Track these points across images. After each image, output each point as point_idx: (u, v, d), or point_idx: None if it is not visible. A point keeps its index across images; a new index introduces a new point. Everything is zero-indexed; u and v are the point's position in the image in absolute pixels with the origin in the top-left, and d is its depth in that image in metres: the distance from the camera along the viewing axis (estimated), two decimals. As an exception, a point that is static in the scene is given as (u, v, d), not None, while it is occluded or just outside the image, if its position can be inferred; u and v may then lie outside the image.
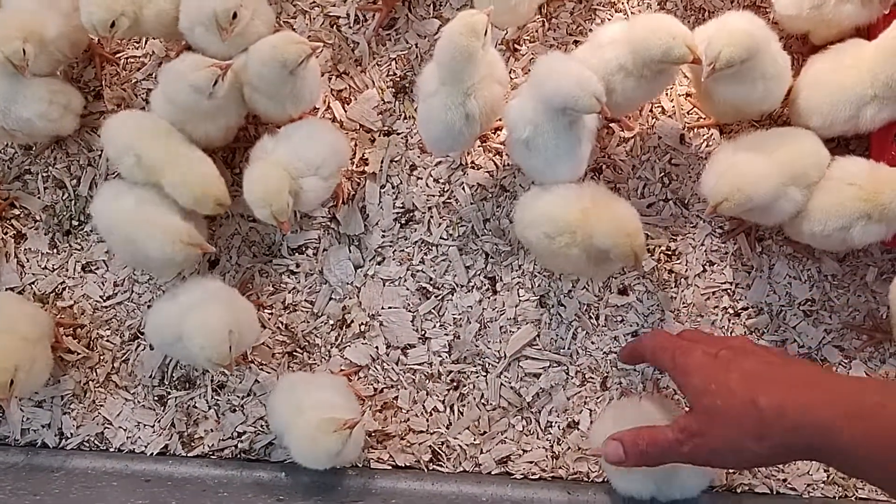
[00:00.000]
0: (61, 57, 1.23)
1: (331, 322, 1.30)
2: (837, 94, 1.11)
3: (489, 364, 1.27)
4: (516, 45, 1.30)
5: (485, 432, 1.27)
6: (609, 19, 1.29)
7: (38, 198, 1.35)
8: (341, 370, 1.29)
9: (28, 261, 1.35)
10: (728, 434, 0.89)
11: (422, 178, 1.30)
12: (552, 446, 1.26)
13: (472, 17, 1.05)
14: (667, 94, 1.28)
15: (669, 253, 1.26)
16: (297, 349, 1.30)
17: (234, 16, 1.13)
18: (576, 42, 1.28)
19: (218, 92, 1.14)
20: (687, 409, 0.96)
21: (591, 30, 1.28)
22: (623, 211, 1.10)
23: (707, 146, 1.27)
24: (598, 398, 1.26)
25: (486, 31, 1.06)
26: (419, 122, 1.19)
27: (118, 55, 1.36)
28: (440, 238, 1.29)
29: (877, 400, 0.83)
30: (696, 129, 1.28)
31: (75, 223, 1.34)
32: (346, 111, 1.32)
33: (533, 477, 1.25)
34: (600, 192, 1.14)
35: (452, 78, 1.08)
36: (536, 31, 1.30)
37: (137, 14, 1.17)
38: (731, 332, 1.25)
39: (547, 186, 1.14)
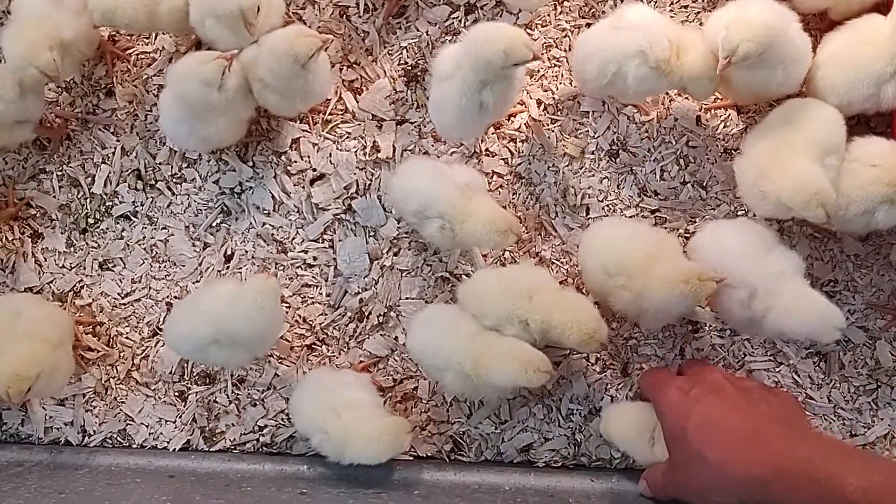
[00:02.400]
0: (81, 57, 1.23)
1: (349, 314, 1.30)
2: (855, 71, 1.08)
3: (508, 353, 1.26)
4: (528, 29, 1.28)
5: (506, 421, 1.26)
6: (621, 1, 1.27)
7: (54, 197, 1.35)
8: (360, 362, 1.28)
9: (45, 260, 1.35)
10: (693, 483, 1.00)
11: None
12: (574, 434, 1.25)
13: (521, 35, 1.05)
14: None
15: (688, 236, 1.24)
16: (316, 342, 1.30)
17: (259, 9, 1.13)
18: (588, 24, 1.27)
19: (227, 83, 1.13)
20: None
21: (603, 12, 1.26)
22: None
23: (724, 127, 1.25)
24: (619, 385, 1.25)
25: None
26: (431, 105, 1.18)
27: (128, 51, 1.35)
28: (456, 227, 1.28)
29: (803, 455, 0.89)
30: (713, 111, 1.26)
31: (91, 221, 1.35)
32: (357, 101, 1.31)
33: (555, 465, 1.25)
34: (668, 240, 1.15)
35: (477, 69, 1.07)
36: (548, 15, 1.28)
37: (151, 11, 1.17)
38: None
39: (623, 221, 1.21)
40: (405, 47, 1.30)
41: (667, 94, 1.26)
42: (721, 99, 1.25)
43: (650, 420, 1.12)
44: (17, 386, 1.12)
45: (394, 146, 1.29)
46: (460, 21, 1.29)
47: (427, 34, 1.30)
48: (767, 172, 1.06)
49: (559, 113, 1.28)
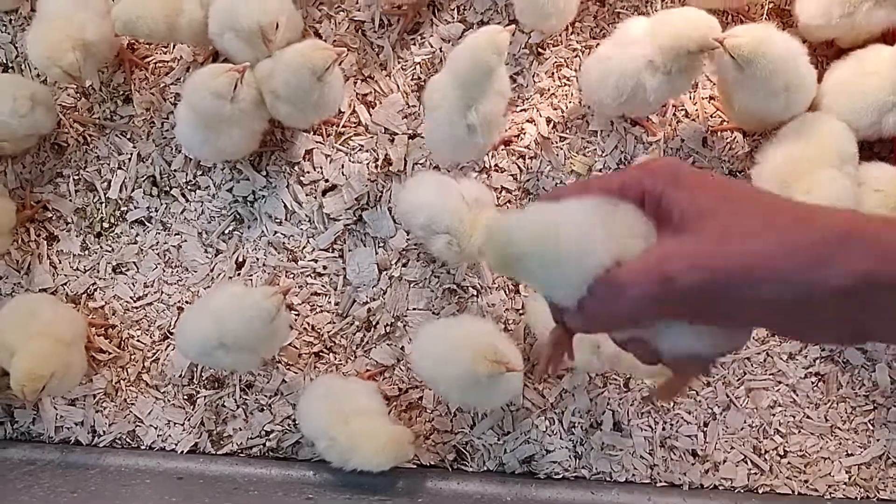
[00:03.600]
0: (102, 59, 1.26)
1: (356, 323, 1.32)
2: (859, 100, 1.11)
3: (513, 365, 1.29)
4: (540, 48, 1.31)
5: (508, 432, 1.28)
6: (632, 22, 1.29)
7: (70, 200, 1.38)
8: (367, 371, 1.31)
9: (60, 262, 1.38)
10: (740, 255, 0.51)
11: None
12: (575, 447, 1.27)
13: (497, 35, 1.06)
14: (690, 97, 1.28)
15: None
16: (324, 350, 1.32)
17: (277, 26, 1.15)
18: (599, 45, 1.29)
19: (239, 95, 1.16)
20: None
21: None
22: None
23: (730, 149, 1.28)
24: (620, 399, 1.27)
25: (505, 50, 1.08)
26: (426, 134, 1.22)
27: (147, 59, 1.38)
28: (464, 240, 1.31)
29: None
30: (719, 133, 1.28)
31: (106, 225, 1.37)
32: (371, 115, 1.33)
33: (556, 477, 1.27)
34: None
35: (464, 89, 1.10)
36: (560, 35, 1.31)
37: (172, 22, 1.20)
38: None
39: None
40: (419, 63, 1.33)
41: (674, 114, 1.28)
42: (727, 122, 1.27)
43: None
44: (32, 385, 1.15)
45: (405, 159, 1.32)
46: (473, 38, 1.32)
47: (440, 51, 1.32)
48: (793, 183, 1.09)
49: (568, 131, 1.30)
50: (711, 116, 1.28)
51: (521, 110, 1.30)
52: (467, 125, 1.12)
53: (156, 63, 1.38)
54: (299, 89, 1.17)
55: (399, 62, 1.33)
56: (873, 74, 1.11)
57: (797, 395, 1.26)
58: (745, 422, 1.25)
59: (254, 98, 1.20)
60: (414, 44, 1.33)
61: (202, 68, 1.21)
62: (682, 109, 1.29)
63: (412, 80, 1.33)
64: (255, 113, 1.23)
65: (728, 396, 1.26)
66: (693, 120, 1.28)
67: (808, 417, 1.25)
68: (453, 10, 1.32)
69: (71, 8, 1.23)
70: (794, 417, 1.25)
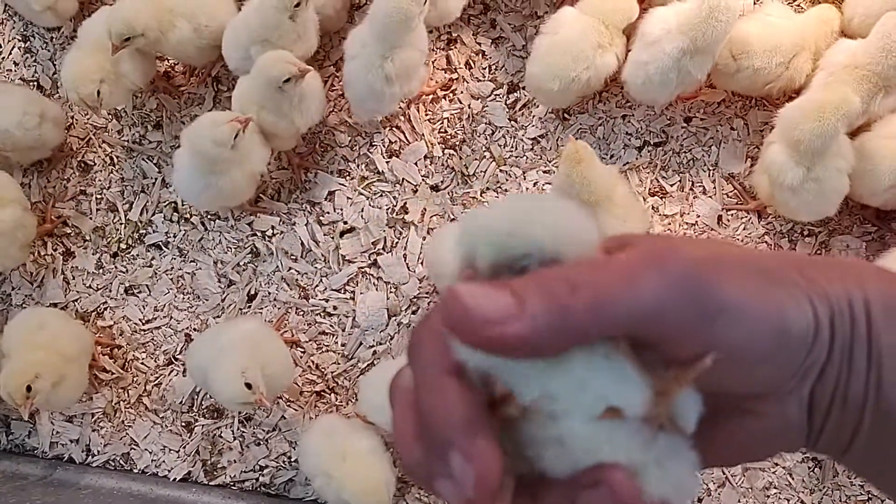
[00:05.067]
0: (134, 87, 1.29)
1: (361, 366, 1.33)
2: (879, 164, 1.14)
3: (513, 422, 1.29)
4: (566, 113, 1.34)
5: (503, 489, 1.28)
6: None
7: (90, 218, 1.40)
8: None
9: (74, 278, 1.39)
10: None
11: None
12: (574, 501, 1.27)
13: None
14: (708, 173, 1.31)
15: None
16: (326, 390, 1.33)
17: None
18: (623, 116, 1.32)
19: (239, 143, 1.17)
20: None
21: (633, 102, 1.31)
22: None
23: (744, 229, 1.30)
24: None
25: (425, 2, 1.13)
26: (344, 84, 1.26)
27: (181, 88, 1.41)
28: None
29: None
30: (734, 212, 1.30)
31: (123, 246, 1.39)
32: (394, 163, 1.36)
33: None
34: None
35: (381, 38, 1.16)
36: (587, 103, 1.34)
37: (161, 35, 1.24)
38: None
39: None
40: (447, 118, 1.36)
41: (691, 189, 1.31)
42: (742, 202, 1.29)
43: None
44: (16, 387, 1.15)
45: (424, 210, 1.34)
46: (502, 97, 1.35)
47: (469, 107, 1.35)
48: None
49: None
50: (728, 196, 1.31)
51: (543, 171, 1.33)
52: (385, 75, 1.18)
53: (188, 93, 1.41)
54: (271, 99, 1.20)
55: (427, 115, 1.36)
56: (892, 139, 1.14)
57: (793, 479, 1.26)
58: (739, 501, 1.25)
59: (252, 138, 1.21)
60: (445, 98, 1.36)
61: (203, 116, 1.21)
62: (699, 185, 1.31)
63: (438, 132, 1.36)
64: (255, 153, 1.23)
65: (724, 473, 1.26)
66: (710, 197, 1.31)
67: (802, 502, 1.26)
68: (485, 69, 1.36)
69: (105, 41, 1.25)
70: (787, 501, 1.25)
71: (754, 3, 1.26)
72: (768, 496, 1.25)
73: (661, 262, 0.34)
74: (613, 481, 0.33)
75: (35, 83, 1.45)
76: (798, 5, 1.30)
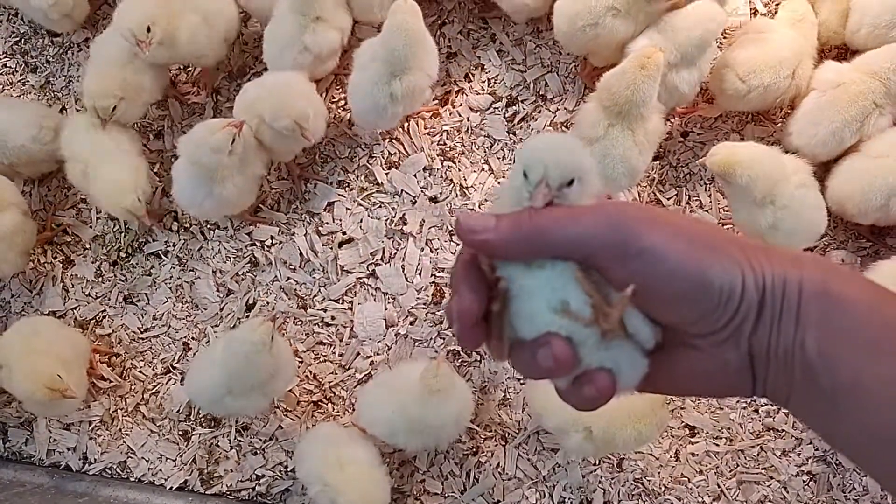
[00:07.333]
0: (151, 101, 1.31)
1: (358, 376, 1.33)
2: (870, 182, 1.17)
3: (509, 434, 1.30)
4: (563, 128, 1.35)
5: (498, 501, 1.29)
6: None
7: (90, 227, 1.41)
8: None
9: (73, 286, 1.39)
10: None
11: (461, 244, 1.34)
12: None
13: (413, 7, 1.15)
14: (705, 188, 1.32)
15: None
16: (323, 399, 1.33)
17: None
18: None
19: (237, 149, 1.18)
20: None
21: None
22: None
23: (740, 243, 1.31)
24: (612, 479, 1.28)
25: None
26: (349, 92, 1.27)
27: (186, 95, 1.42)
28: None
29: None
30: (730, 226, 1.31)
31: (122, 254, 1.39)
32: (393, 175, 1.36)
33: (542, 551, 1.27)
34: None
35: (390, 58, 1.17)
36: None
37: (172, 36, 1.24)
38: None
39: None
40: (446, 130, 1.37)
41: (688, 203, 1.32)
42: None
43: None
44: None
45: (422, 221, 1.35)
46: (500, 110, 1.36)
47: (468, 120, 1.36)
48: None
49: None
50: (724, 209, 1.32)
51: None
52: (390, 93, 1.19)
53: (191, 103, 1.42)
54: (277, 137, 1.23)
55: (427, 127, 1.37)
56: (885, 157, 1.16)
57: (787, 493, 1.26)
58: (734, 514, 1.26)
59: (250, 143, 1.22)
60: (446, 112, 1.37)
61: (197, 125, 1.22)
62: (696, 199, 1.32)
63: (437, 145, 1.37)
64: (254, 157, 1.24)
65: (719, 486, 1.26)
66: (706, 210, 1.32)
67: (796, 516, 1.26)
68: (484, 82, 1.37)
69: (125, 57, 1.27)
70: (782, 514, 1.26)
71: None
72: (763, 510, 1.26)
73: (604, 210, 0.48)
74: (555, 343, 0.48)
75: (36, 88, 1.46)
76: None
